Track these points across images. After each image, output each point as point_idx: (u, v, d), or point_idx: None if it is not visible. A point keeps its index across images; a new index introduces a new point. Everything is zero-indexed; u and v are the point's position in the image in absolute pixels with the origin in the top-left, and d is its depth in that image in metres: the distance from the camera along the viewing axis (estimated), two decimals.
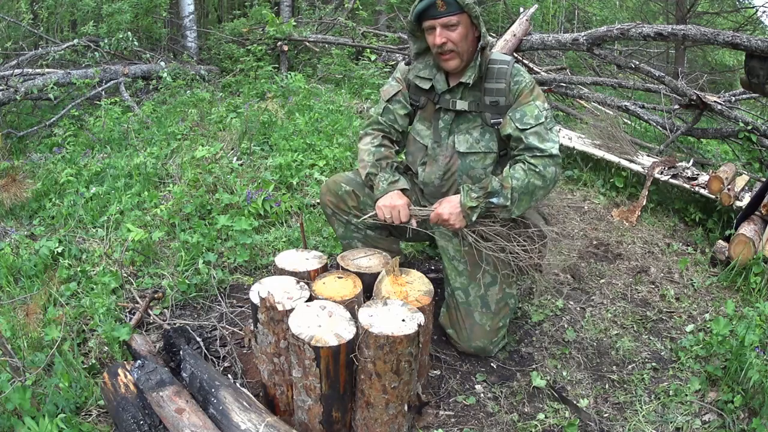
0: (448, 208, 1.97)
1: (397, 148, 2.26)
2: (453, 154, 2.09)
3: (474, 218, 1.95)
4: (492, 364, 2.16)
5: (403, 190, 2.06)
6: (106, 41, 6.13)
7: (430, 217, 2.00)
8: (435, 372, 2.10)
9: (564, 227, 3.32)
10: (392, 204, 2.00)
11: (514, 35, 5.17)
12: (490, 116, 2.04)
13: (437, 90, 2.07)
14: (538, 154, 1.94)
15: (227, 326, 2.27)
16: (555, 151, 1.96)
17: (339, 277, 1.83)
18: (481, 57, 1.95)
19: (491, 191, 1.93)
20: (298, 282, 1.78)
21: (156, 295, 2.37)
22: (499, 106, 2.02)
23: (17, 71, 5.24)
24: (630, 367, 2.17)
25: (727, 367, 2.03)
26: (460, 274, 2.10)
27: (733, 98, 4.97)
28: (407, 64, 2.16)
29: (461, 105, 2.04)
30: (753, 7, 9.88)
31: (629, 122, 5.33)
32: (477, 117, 2.06)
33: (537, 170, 1.94)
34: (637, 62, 4.84)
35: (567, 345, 2.27)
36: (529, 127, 1.95)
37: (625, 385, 2.07)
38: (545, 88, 5.30)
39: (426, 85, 2.09)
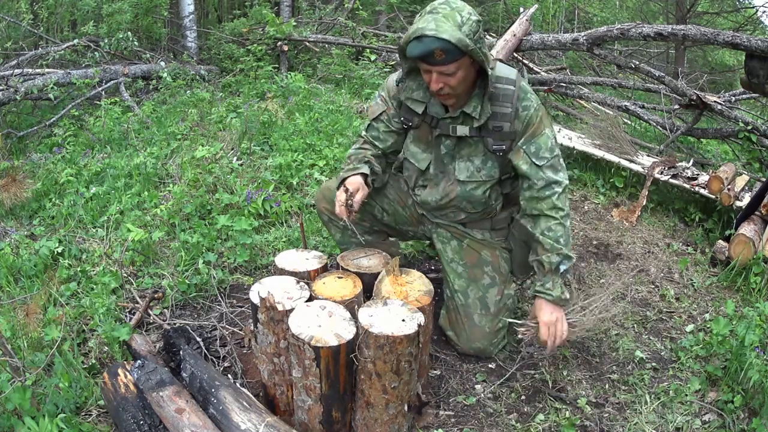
0: (548, 313, 1.89)
1: (382, 155, 2.12)
2: (453, 180, 2.03)
3: (568, 296, 1.92)
4: (492, 364, 2.16)
5: (365, 176, 1.96)
6: (106, 41, 6.13)
7: (540, 333, 1.90)
8: (435, 372, 2.10)
9: None
10: (337, 197, 1.89)
11: (514, 35, 5.17)
12: (492, 141, 1.95)
13: (435, 115, 1.97)
14: (557, 188, 1.92)
15: (227, 326, 2.27)
16: (567, 181, 1.96)
17: (339, 277, 1.83)
18: (486, 89, 1.85)
19: (556, 267, 1.91)
20: (298, 282, 1.78)
21: (156, 295, 2.37)
22: (503, 132, 1.92)
23: (17, 71, 5.23)
24: (630, 367, 2.17)
25: (727, 367, 2.03)
26: (459, 276, 2.10)
27: (733, 98, 4.97)
28: (398, 83, 2.01)
29: (462, 131, 1.94)
30: (753, 7, 9.89)
31: (629, 122, 5.33)
32: (478, 142, 1.97)
33: (565, 212, 1.94)
34: (637, 62, 4.84)
35: (567, 345, 2.27)
36: (546, 161, 1.91)
37: (625, 385, 2.07)
38: (545, 88, 5.30)
39: (419, 109, 1.98)
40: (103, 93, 5.35)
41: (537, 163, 1.91)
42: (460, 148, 2.00)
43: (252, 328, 1.81)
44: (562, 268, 1.92)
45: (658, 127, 4.58)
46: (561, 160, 1.96)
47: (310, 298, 1.71)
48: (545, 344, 1.89)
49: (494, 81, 1.87)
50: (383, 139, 2.09)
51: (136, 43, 6.29)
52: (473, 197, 2.03)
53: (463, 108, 1.90)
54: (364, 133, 2.13)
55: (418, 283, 1.83)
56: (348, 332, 1.57)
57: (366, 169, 1.99)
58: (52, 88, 5.08)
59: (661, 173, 3.55)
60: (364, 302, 1.68)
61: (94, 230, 3.04)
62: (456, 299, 2.10)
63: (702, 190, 3.34)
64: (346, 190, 1.87)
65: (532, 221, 1.98)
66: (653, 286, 2.76)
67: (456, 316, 2.12)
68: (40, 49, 6.16)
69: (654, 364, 2.19)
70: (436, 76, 1.77)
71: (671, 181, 3.49)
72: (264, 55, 6.43)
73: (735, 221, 2.94)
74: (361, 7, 7.68)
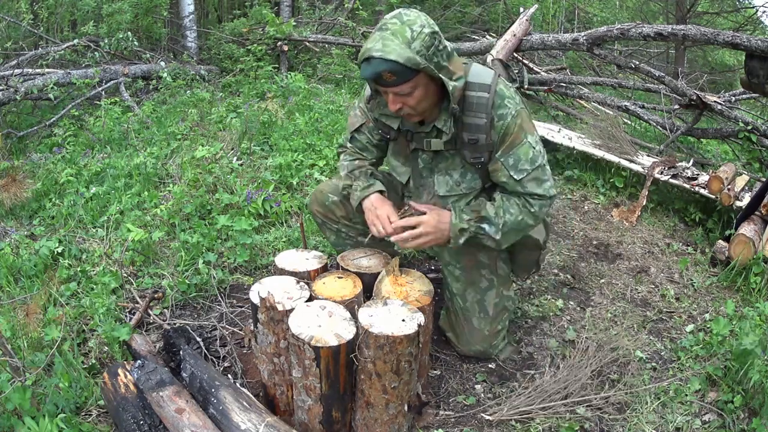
0: (437, 220, 1.80)
1: (375, 162, 2.10)
2: (434, 194, 1.96)
3: (461, 242, 1.81)
4: (492, 364, 2.16)
5: (381, 192, 1.95)
6: (106, 41, 6.13)
7: (411, 221, 1.82)
8: (435, 372, 2.10)
9: (564, 227, 3.32)
10: (372, 217, 1.87)
11: (514, 35, 5.17)
12: (469, 154, 1.84)
13: (410, 129, 1.88)
14: (537, 198, 1.82)
15: (227, 326, 2.27)
16: (552, 191, 1.84)
17: (339, 277, 1.83)
18: (450, 103, 1.72)
19: (485, 216, 1.80)
20: (298, 282, 1.78)
21: (156, 295, 2.37)
22: (479, 144, 1.79)
23: (17, 71, 5.23)
24: (630, 367, 2.17)
25: (727, 367, 2.03)
26: (456, 280, 2.07)
27: (733, 98, 4.97)
28: (368, 100, 1.94)
29: (437, 145, 1.84)
30: (753, 7, 9.89)
31: (629, 122, 5.33)
32: (455, 155, 1.88)
33: (532, 210, 1.82)
34: (637, 62, 4.84)
35: (567, 345, 2.27)
36: (526, 174, 1.79)
37: (625, 386, 2.07)
38: (545, 88, 5.30)
39: (394, 124, 1.89)
40: (103, 93, 5.35)
41: (516, 177, 1.78)
42: (437, 162, 1.92)
43: (252, 328, 1.81)
44: (485, 225, 1.80)
45: (658, 127, 4.58)
46: (546, 169, 1.83)
47: (310, 298, 1.71)
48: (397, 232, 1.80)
49: (466, 89, 1.75)
50: (370, 150, 2.06)
51: (136, 43, 6.29)
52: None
53: (435, 122, 1.80)
54: (348, 144, 2.08)
55: (418, 283, 1.83)
56: (348, 332, 1.57)
57: (380, 186, 1.97)
58: (52, 88, 5.08)
59: (661, 173, 3.55)
60: (364, 302, 1.68)
61: (94, 230, 3.04)
62: (455, 302, 2.09)
63: (702, 190, 3.35)
64: (402, 212, 1.85)
65: None
66: (653, 286, 2.76)
67: (455, 319, 2.11)
68: (40, 49, 6.16)
69: (654, 364, 2.19)
70: (392, 97, 1.67)
71: (671, 181, 3.49)
72: (264, 55, 6.43)
73: (735, 221, 2.94)
74: (361, 7, 7.68)
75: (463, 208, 1.85)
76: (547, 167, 1.84)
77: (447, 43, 1.68)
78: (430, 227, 1.80)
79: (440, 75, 1.63)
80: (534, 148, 1.79)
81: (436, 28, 1.62)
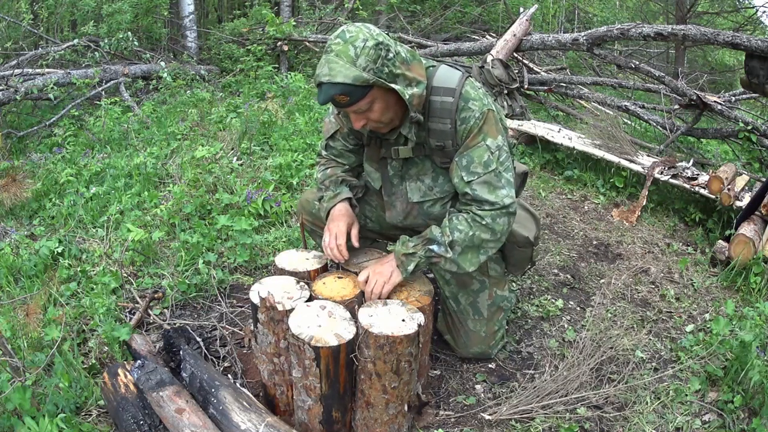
0: (378, 262, 1.78)
1: (351, 168, 2.06)
2: (408, 201, 1.93)
3: (411, 268, 1.74)
4: (492, 364, 2.16)
5: (349, 201, 1.91)
6: (106, 41, 6.14)
7: (358, 276, 1.78)
8: (435, 372, 2.10)
9: (564, 227, 3.33)
10: (326, 244, 1.81)
11: (514, 35, 5.17)
12: (439, 159, 1.82)
13: (379, 136, 1.83)
14: (487, 207, 1.72)
15: (227, 326, 2.27)
16: (508, 201, 1.73)
17: (339, 277, 1.83)
18: (410, 113, 1.67)
19: (430, 238, 1.75)
20: (298, 282, 1.78)
21: (156, 295, 2.37)
22: (447, 150, 1.77)
23: (17, 71, 5.24)
24: (630, 367, 2.17)
25: (727, 367, 2.04)
26: (447, 283, 2.04)
27: (733, 98, 4.98)
28: (338, 113, 1.92)
29: (405, 153, 1.81)
30: (753, 7, 9.89)
31: (629, 122, 5.34)
32: (425, 160, 1.85)
33: (484, 222, 1.72)
34: (637, 62, 4.85)
35: (567, 345, 2.27)
36: (476, 177, 1.71)
37: (625, 385, 2.07)
38: (545, 88, 5.30)
39: (364, 131, 1.83)
40: (103, 93, 5.36)
41: (466, 178, 1.72)
42: (407, 169, 1.89)
43: (252, 328, 1.82)
44: (434, 247, 1.74)
45: (658, 127, 4.58)
46: (503, 176, 1.74)
47: (310, 298, 1.72)
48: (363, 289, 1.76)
49: (430, 94, 1.72)
50: (346, 156, 2.02)
51: (136, 43, 6.30)
52: (432, 214, 1.93)
53: (401, 130, 1.75)
54: (324, 152, 2.04)
55: (418, 283, 1.83)
56: (348, 332, 1.57)
57: (347, 193, 1.94)
58: (52, 88, 5.08)
59: (661, 173, 3.55)
60: (364, 302, 1.69)
61: (94, 230, 3.04)
62: (448, 305, 2.08)
63: (702, 190, 3.35)
64: (347, 236, 1.82)
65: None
66: (653, 286, 2.76)
67: (451, 321, 2.11)
68: (40, 49, 6.17)
69: (654, 364, 2.19)
70: (353, 116, 1.66)
71: (671, 181, 3.49)
72: (264, 55, 6.44)
73: (735, 221, 2.94)
74: (361, 7, 7.69)
75: (410, 237, 1.81)
76: (506, 175, 1.75)
77: (400, 48, 1.64)
78: (378, 270, 1.76)
79: (394, 85, 1.59)
80: (491, 152, 1.71)
81: (381, 38, 1.57)
